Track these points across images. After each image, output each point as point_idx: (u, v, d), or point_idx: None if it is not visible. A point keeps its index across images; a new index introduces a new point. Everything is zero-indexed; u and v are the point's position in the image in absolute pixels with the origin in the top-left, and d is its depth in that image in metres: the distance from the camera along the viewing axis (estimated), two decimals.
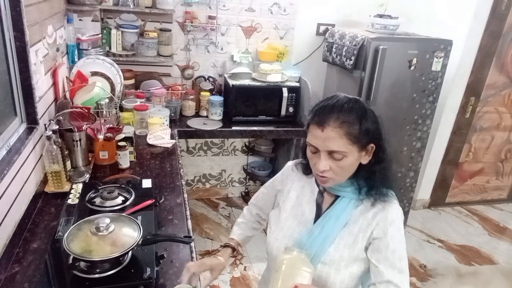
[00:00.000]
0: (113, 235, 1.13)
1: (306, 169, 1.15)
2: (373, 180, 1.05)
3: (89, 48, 2.38)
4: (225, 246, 1.27)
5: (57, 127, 1.65)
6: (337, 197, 1.09)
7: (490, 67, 3.08)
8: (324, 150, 1.00)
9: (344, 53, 2.59)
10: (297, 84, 2.83)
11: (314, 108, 1.05)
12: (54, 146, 1.57)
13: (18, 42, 1.49)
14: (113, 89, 2.26)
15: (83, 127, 1.82)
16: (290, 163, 1.26)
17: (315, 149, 1.02)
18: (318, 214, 1.11)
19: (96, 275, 1.09)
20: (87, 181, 1.73)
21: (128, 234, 1.15)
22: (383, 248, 1.01)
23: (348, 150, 0.98)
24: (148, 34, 2.64)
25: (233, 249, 1.27)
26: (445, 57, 2.52)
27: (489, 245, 3.10)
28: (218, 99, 2.80)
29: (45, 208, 1.54)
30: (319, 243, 1.05)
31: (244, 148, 3.31)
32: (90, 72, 2.21)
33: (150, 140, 2.23)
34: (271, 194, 1.29)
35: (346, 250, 1.04)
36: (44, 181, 1.68)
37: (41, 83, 1.72)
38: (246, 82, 2.77)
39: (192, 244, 1.35)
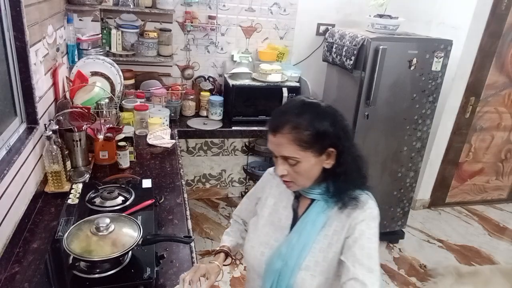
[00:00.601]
0: (113, 235, 1.13)
1: None
2: (338, 183, 1.03)
3: (89, 48, 2.38)
4: (217, 252, 1.24)
5: (57, 127, 1.65)
6: (313, 201, 1.07)
7: (490, 67, 3.08)
8: (278, 155, 1.00)
9: (344, 53, 2.59)
10: (297, 84, 2.83)
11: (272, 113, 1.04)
12: (54, 146, 1.57)
13: (18, 42, 1.49)
14: (113, 89, 2.26)
15: (83, 127, 1.82)
16: (269, 170, 1.24)
17: (273, 154, 1.02)
18: (295, 219, 1.09)
19: (96, 275, 1.09)
20: (87, 181, 1.73)
21: (128, 234, 1.15)
22: (352, 244, 0.98)
23: (300, 156, 0.97)
24: (148, 34, 2.64)
25: (226, 254, 1.23)
26: (445, 57, 2.52)
27: (489, 245, 3.10)
28: (218, 99, 2.80)
29: (45, 208, 1.54)
30: (298, 252, 1.03)
31: (244, 148, 3.31)
32: (90, 72, 2.21)
33: (150, 140, 2.23)
34: (253, 203, 1.26)
35: (321, 255, 1.02)
36: (44, 181, 1.68)
37: (41, 83, 1.72)
38: (246, 82, 2.77)
39: (192, 244, 1.35)
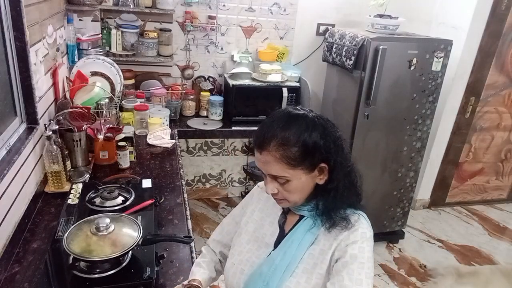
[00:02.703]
0: (113, 235, 1.13)
1: None
2: (328, 200, 0.95)
3: (89, 48, 2.38)
4: (187, 287, 1.07)
5: (57, 127, 1.65)
6: (301, 217, 0.99)
7: (490, 67, 3.08)
8: (266, 173, 0.93)
9: (344, 53, 2.59)
10: (297, 84, 2.83)
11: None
12: (54, 146, 1.57)
13: (18, 42, 1.49)
14: (113, 89, 2.26)
15: (83, 127, 1.82)
16: (259, 183, 1.15)
17: (262, 173, 0.95)
18: (281, 237, 1.01)
19: (96, 275, 1.09)
20: (87, 181, 1.73)
21: (128, 234, 1.15)
22: (341, 268, 0.89)
23: (289, 174, 0.89)
24: (148, 34, 2.64)
25: None
26: (445, 57, 2.52)
27: (489, 245, 3.10)
28: (218, 99, 2.80)
29: (45, 208, 1.54)
30: (281, 272, 0.94)
31: (244, 148, 3.31)
32: (90, 72, 2.21)
33: (150, 140, 2.23)
34: (237, 222, 1.14)
35: (304, 276, 0.93)
36: (44, 181, 1.68)
37: (41, 83, 1.72)
38: (246, 82, 2.77)
39: (192, 244, 1.35)
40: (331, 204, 0.94)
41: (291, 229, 1.00)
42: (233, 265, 1.04)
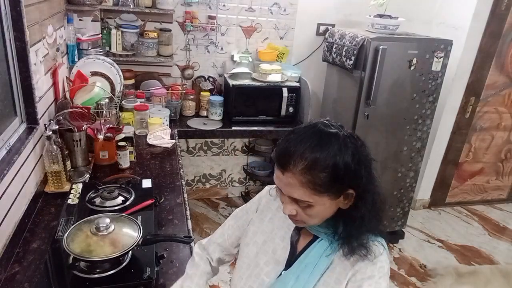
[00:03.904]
0: (113, 235, 1.13)
1: None
2: (350, 226, 0.87)
3: (89, 48, 2.38)
4: None
5: (57, 127, 1.65)
6: (315, 237, 0.92)
7: (490, 67, 3.08)
8: (287, 195, 0.84)
9: (344, 53, 2.59)
10: (297, 84, 2.83)
11: (280, 141, 0.86)
12: (54, 146, 1.57)
13: (18, 42, 1.49)
14: (113, 89, 2.26)
15: (83, 127, 1.82)
16: (267, 187, 1.06)
17: (280, 190, 0.86)
18: (292, 255, 0.94)
19: (96, 275, 1.09)
20: (87, 181, 1.73)
21: (128, 234, 1.15)
22: None
23: (313, 200, 0.81)
24: (148, 34, 2.64)
25: None
26: (445, 57, 2.52)
27: (489, 245, 3.10)
28: (218, 99, 2.80)
29: (45, 208, 1.54)
30: None
31: (244, 148, 3.31)
32: (90, 72, 2.21)
33: (150, 140, 2.23)
34: (241, 228, 1.08)
35: None
36: (44, 181, 1.68)
37: (41, 83, 1.72)
38: (246, 82, 2.77)
39: (192, 244, 1.35)
40: (353, 231, 0.87)
41: (304, 249, 0.93)
42: (241, 279, 0.99)
